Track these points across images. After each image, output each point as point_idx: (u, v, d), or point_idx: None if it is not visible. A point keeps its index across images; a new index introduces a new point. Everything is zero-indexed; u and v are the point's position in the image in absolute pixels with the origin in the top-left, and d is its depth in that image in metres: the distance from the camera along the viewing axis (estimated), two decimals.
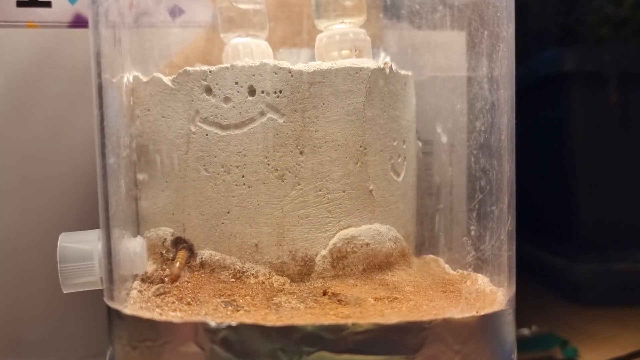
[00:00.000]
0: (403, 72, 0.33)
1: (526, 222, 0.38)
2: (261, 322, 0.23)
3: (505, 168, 0.28)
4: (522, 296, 0.30)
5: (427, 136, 0.37)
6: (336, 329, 0.23)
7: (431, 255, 0.34)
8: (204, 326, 0.22)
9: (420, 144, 0.37)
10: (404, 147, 0.33)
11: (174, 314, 0.23)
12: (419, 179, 0.36)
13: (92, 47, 0.28)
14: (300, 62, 0.39)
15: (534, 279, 0.67)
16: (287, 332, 0.22)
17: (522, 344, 0.39)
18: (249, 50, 0.33)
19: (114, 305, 0.25)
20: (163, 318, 0.23)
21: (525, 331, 0.52)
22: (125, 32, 0.32)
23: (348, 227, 0.30)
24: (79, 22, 0.38)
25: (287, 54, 0.39)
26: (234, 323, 0.22)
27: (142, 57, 0.36)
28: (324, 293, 0.28)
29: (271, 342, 0.22)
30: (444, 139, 0.36)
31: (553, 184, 0.63)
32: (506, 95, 0.27)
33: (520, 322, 0.29)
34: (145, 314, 0.24)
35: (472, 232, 0.31)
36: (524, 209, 0.31)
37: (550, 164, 0.63)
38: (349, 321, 0.23)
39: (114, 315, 0.25)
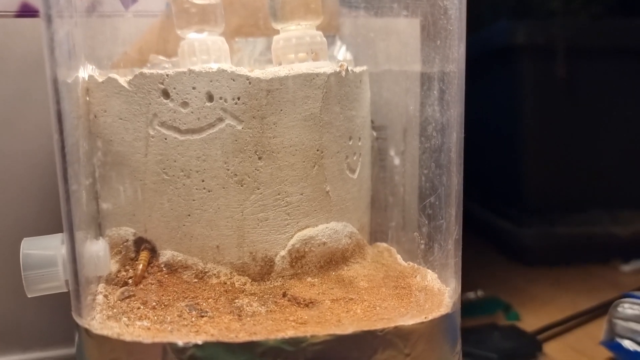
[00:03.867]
0: (358, 68, 0.34)
1: (476, 187, 0.40)
2: (225, 336, 0.24)
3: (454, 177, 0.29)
4: (470, 258, 0.32)
5: (382, 122, 0.38)
6: (296, 342, 0.24)
7: (384, 244, 0.36)
8: (172, 346, 0.24)
9: (374, 133, 0.38)
10: (359, 144, 0.34)
11: (143, 334, 0.25)
12: (373, 166, 0.37)
13: (46, 41, 0.27)
14: (256, 51, 0.39)
15: (482, 241, 0.70)
16: (250, 347, 0.24)
17: (468, 308, 0.42)
18: (204, 47, 0.33)
19: (84, 323, 0.26)
20: (133, 339, 0.24)
21: (471, 295, 0.55)
22: (77, 23, 0.32)
23: (306, 227, 0.31)
24: (26, 11, 0.36)
25: (243, 44, 0.39)
26: (200, 342, 0.24)
27: (95, 50, 0.36)
28: (284, 295, 0.29)
29: (235, 356, 0.24)
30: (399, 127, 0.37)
31: (501, 151, 0.66)
32: (455, 113, 0.28)
33: (467, 284, 0.31)
34: (115, 333, 0.25)
35: (423, 229, 0.32)
36: (474, 174, 0.32)
37: (499, 132, 0.65)
38: (308, 333, 0.24)
39: (83, 332, 0.26)
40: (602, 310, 0.49)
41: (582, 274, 0.60)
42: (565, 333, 0.49)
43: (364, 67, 0.35)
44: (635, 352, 0.43)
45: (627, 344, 0.44)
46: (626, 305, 0.43)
